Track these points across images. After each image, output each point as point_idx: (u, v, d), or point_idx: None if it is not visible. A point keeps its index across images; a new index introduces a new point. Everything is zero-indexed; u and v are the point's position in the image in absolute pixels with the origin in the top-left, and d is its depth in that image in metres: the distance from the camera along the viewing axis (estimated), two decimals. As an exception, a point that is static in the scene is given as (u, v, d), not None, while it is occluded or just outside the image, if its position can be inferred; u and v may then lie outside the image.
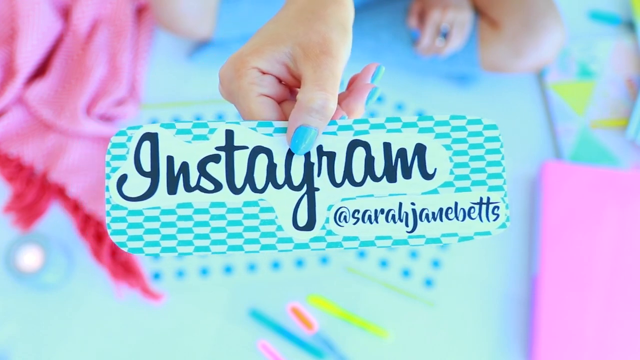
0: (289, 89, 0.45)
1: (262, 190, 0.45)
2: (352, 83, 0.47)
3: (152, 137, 0.45)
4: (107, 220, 0.44)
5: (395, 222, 0.45)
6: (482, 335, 1.00)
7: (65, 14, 1.14)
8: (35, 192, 1.05)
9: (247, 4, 1.03)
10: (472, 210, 0.45)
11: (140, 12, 1.17)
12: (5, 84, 1.09)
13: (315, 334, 0.99)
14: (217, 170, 0.45)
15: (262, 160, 0.45)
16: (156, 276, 1.02)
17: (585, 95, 1.13)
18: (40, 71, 1.12)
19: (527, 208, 1.06)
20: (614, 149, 1.10)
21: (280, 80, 0.44)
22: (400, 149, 0.45)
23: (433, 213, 0.45)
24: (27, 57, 1.07)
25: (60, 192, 1.05)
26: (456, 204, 0.45)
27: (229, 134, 0.45)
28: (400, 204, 0.45)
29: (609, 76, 1.14)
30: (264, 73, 0.43)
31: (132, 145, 0.45)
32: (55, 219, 1.05)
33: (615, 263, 0.98)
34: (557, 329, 0.95)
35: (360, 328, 0.99)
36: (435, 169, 0.45)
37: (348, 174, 0.45)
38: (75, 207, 1.04)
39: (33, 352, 0.98)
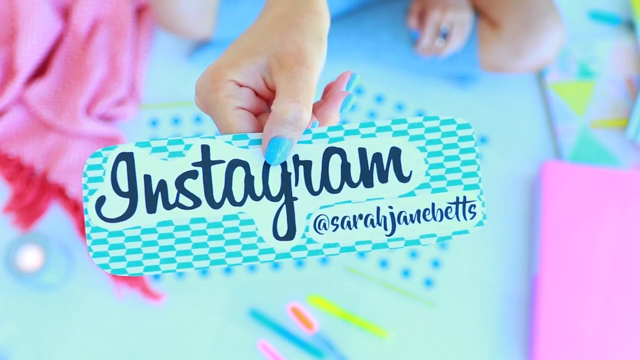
0: (265, 101, 0.45)
1: (241, 203, 0.45)
2: (327, 91, 0.47)
3: (128, 157, 0.45)
4: (88, 242, 0.45)
5: (374, 226, 0.45)
6: (482, 335, 1.00)
7: (65, 14, 1.14)
8: (35, 192, 1.05)
9: (247, 4, 1.03)
10: (449, 209, 0.45)
11: (140, 12, 1.17)
12: (5, 84, 1.09)
13: (315, 334, 0.98)
14: (195, 186, 0.45)
15: (239, 173, 0.45)
16: (156, 276, 1.02)
17: (585, 95, 1.13)
18: (40, 71, 1.12)
19: (527, 208, 1.06)
20: (614, 149, 1.09)
21: (257, 93, 0.44)
22: (376, 153, 0.45)
23: (411, 215, 0.45)
24: (27, 57, 1.07)
25: (60, 192, 1.05)
26: (433, 204, 0.45)
27: (205, 149, 0.45)
28: (378, 208, 0.45)
29: (609, 76, 1.14)
30: (241, 86, 0.43)
31: (108, 167, 0.45)
32: (55, 219, 1.05)
33: (615, 263, 0.97)
34: (557, 329, 0.95)
35: (360, 328, 0.99)
36: (411, 172, 0.45)
37: (325, 181, 0.45)
38: (75, 207, 1.04)
39: (33, 352, 0.97)
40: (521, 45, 1.00)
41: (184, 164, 0.45)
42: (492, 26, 1.02)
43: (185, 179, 0.45)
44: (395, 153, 0.45)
